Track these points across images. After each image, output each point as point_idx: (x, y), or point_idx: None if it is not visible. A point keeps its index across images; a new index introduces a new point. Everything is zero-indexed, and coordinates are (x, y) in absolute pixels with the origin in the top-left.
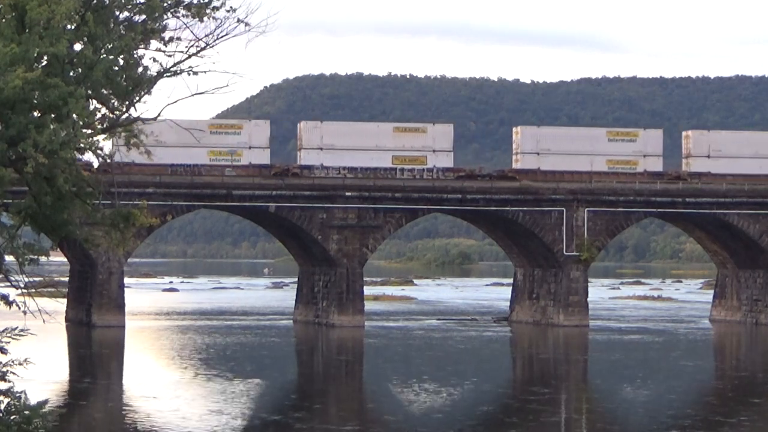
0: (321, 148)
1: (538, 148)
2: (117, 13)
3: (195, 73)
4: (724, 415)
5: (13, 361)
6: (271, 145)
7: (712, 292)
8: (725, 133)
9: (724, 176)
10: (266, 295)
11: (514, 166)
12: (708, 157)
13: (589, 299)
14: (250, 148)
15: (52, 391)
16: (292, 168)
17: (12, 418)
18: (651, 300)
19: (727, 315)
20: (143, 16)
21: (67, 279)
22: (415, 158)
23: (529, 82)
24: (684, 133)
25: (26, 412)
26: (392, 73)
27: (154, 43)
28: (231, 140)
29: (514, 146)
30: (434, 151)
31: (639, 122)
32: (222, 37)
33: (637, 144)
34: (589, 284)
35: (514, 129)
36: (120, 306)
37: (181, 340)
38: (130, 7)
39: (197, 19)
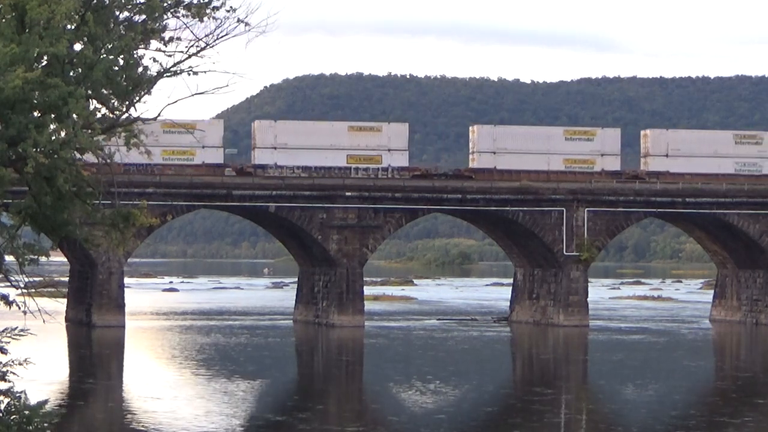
0: (275, 147)
1: (494, 147)
2: (117, 13)
3: (195, 73)
4: (728, 415)
5: (13, 361)
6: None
7: (712, 292)
8: (684, 132)
9: (682, 175)
10: (266, 295)
11: (471, 165)
12: (666, 156)
13: (589, 299)
14: (203, 147)
15: (52, 391)
16: (246, 167)
17: (12, 418)
18: (651, 300)
19: (727, 315)
20: (143, 16)
21: (67, 279)
22: (370, 157)
23: (529, 82)
24: (642, 132)
25: (26, 412)
26: (392, 73)
27: (154, 43)
28: (185, 140)
29: (470, 145)
30: (389, 150)
31: (639, 122)
32: (222, 37)
33: (595, 143)
34: (589, 284)
35: (470, 128)
36: (120, 306)
37: (181, 340)
38: (130, 7)
39: (197, 19)
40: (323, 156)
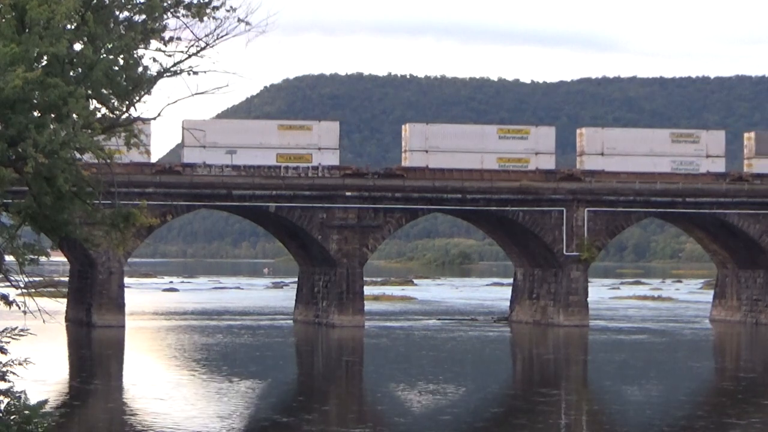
0: (204, 146)
1: (426, 146)
2: (117, 13)
3: (195, 73)
4: (735, 416)
5: (13, 361)
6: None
7: (712, 292)
8: (619, 131)
9: (618, 174)
10: (266, 295)
11: (403, 163)
12: (602, 154)
13: (589, 299)
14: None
15: (52, 391)
16: (174, 166)
17: (12, 418)
18: (651, 300)
19: (727, 315)
20: (143, 16)
21: (67, 279)
22: (300, 156)
23: (529, 82)
24: (578, 131)
25: (26, 412)
26: (392, 73)
27: (154, 43)
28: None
29: (403, 143)
30: (320, 148)
31: (639, 122)
32: (222, 37)
33: (529, 141)
34: (589, 284)
35: (403, 126)
36: (120, 306)
37: (181, 340)
38: (130, 7)
39: (197, 19)
40: (252, 154)
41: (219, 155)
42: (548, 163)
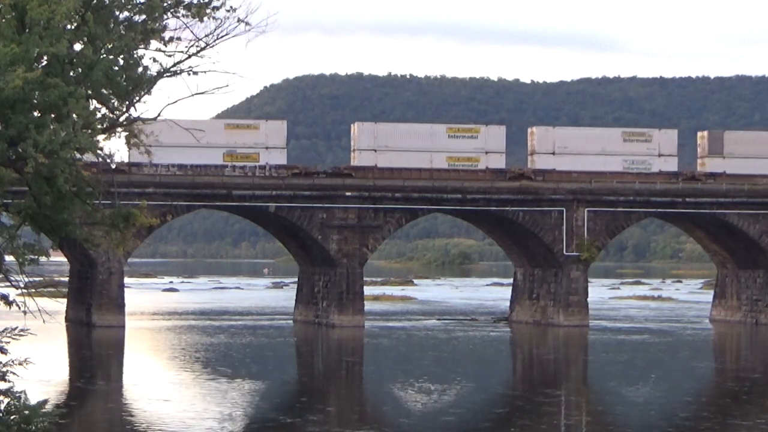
0: (150, 146)
1: (375, 145)
2: (117, 13)
3: (195, 73)
4: (740, 417)
5: (13, 361)
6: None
7: (712, 292)
8: (571, 130)
9: (570, 173)
10: (266, 295)
11: (352, 162)
12: (553, 153)
13: (589, 299)
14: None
15: (52, 391)
16: (121, 166)
17: (12, 418)
18: (651, 300)
19: (727, 315)
20: (143, 16)
21: (67, 279)
22: (247, 155)
23: (529, 82)
24: (529, 130)
25: (26, 412)
26: (392, 73)
27: (154, 43)
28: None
29: (351, 142)
30: (267, 148)
31: (639, 122)
32: (222, 37)
33: (479, 141)
34: (589, 284)
35: (351, 125)
36: (120, 306)
37: (181, 340)
38: (130, 7)
39: (197, 19)
40: (197, 154)
41: (167, 154)
42: (498, 162)
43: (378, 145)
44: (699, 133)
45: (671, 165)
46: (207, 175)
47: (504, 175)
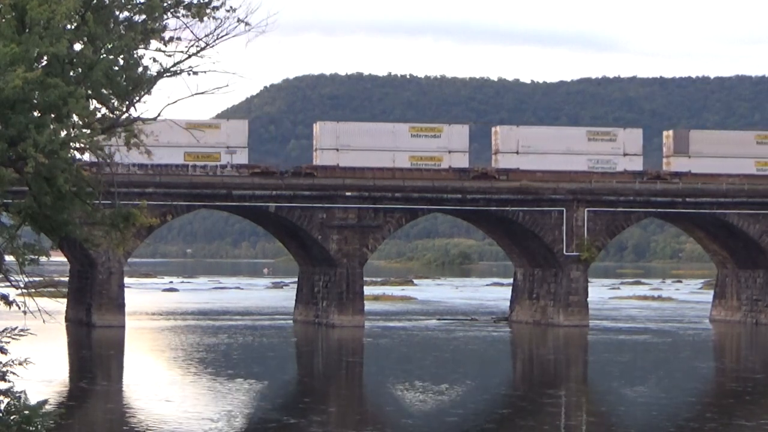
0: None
1: (337, 144)
2: (117, 13)
3: (195, 73)
4: (744, 418)
5: (13, 361)
6: (271, 145)
7: (712, 292)
8: (535, 129)
9: (533, 173)
10: (266, 295)
11: (314, 162)
12: (517, 153)
13: (589, 299)
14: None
15: (52, 391)
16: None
17: (12, 418)
18: (651, 300)
19: (727, 315)
20: (143, 16)
21: (67, 279)
22: (208, 155)
23: (529, 82)
24: (493, 129)
25: (26, 412)
26: (392, 73)
27: (154, 43)
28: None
29: (314, 142)
30: (228, 147)
31: (639, 122)
32: (222, 37)
33: (442, 140)
34: (589, 284)
35: (314, 124)
36: (120, 306)
37: (181, 340)
38: (130, 7)
39: (197, 19)
40: (160, 153)
41: (133, 153)
42: (461, 161)
43: (340, 145)
44: (665, 132)
45: (636, 164)
46: (170, 174)
47: (467, 175)
